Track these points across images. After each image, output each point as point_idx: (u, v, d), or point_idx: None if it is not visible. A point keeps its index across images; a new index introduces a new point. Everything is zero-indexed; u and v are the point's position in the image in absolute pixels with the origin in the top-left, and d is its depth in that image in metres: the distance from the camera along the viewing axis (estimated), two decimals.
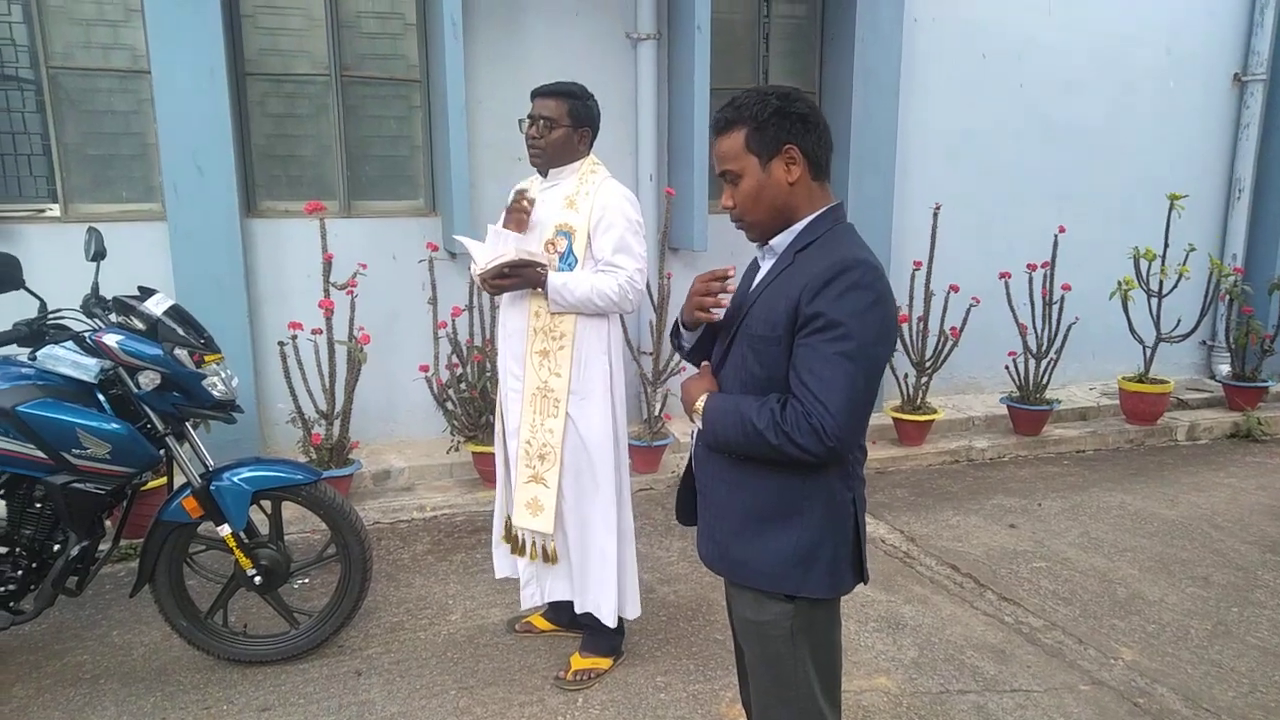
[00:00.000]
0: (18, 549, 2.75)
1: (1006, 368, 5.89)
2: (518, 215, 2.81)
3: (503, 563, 3.22)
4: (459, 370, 4.71)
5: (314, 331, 4.34)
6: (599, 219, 2.78)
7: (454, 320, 4.64)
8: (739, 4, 5.80)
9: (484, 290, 2.94)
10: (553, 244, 2.83)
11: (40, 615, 2.84)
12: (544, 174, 2.94)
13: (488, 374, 4.68)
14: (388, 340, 4.93)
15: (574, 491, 2.92)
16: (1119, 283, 5.93)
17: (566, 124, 2.83)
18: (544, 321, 2.85)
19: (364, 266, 4.47)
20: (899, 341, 5.59)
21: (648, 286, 4.99)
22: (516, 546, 3.03)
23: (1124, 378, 6.29)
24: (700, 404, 1.81)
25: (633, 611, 3.07)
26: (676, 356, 5.03)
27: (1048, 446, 5.87)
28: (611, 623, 2.98)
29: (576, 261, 2.81)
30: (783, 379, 1.70)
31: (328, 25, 4.95)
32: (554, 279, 2.76)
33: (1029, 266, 5.78)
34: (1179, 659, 3.23)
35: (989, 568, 4.01)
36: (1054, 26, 6.35)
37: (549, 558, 2.96)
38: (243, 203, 4.78)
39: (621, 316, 3.01)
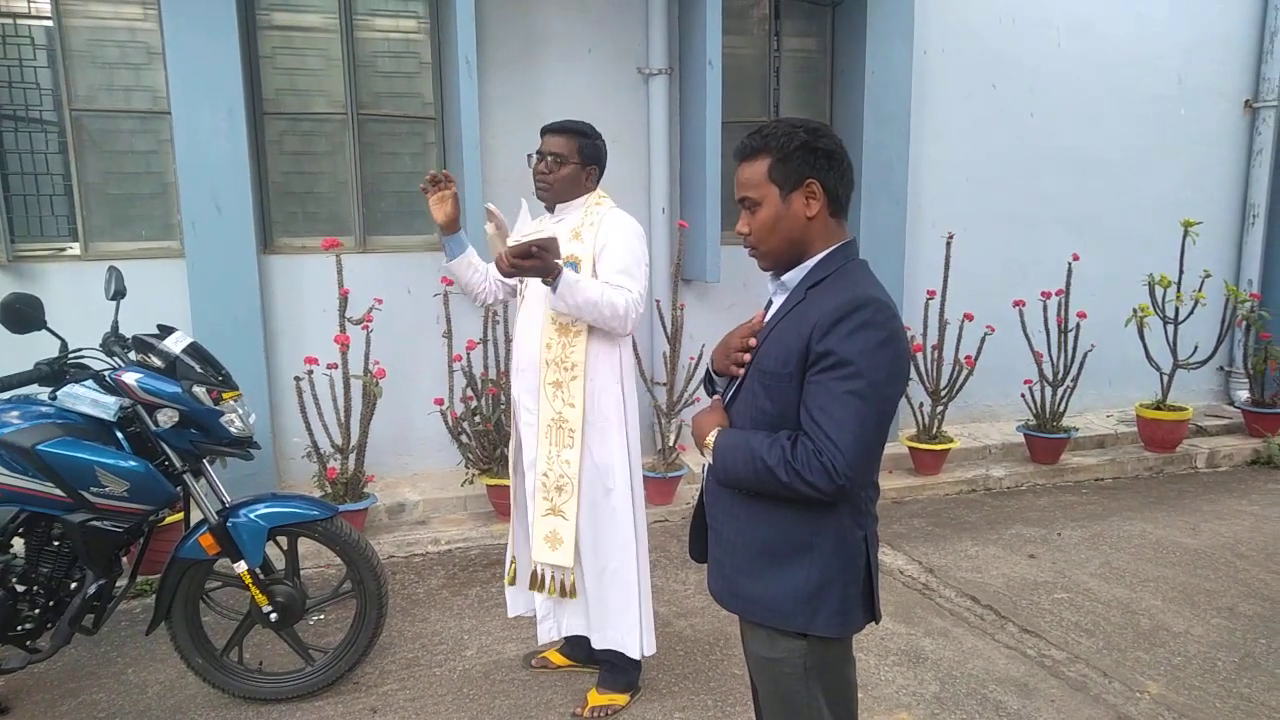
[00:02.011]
0: (35, 587, 2.75)
1: (1023, 396, 5.86)
2: (495, 220, 2.78)
3: (516, 600, 3.21)
4: (473, 403, 4.72)
5: (329, 366, 4.37)
6: (603, 246, 2.79)
7: (469, 354, 4.66)
8: (749, 38, 5.87)
9: (500, 270, 2.69)
10: None
11: (56, 653, 2.84)
12: (550, 209, 2.97)
13: (502, 406, 4.69)
14: (402, 374, 4.95)
15: (591, 523, 2.90)
16: (1135, 310, 5.91)
17: (575, 161, 2.86)
18: (555, 353, 2.86)
19: (379, 301, 4.51)
20: (914, 370, 5.57)
21: (661, 317, 5.06)
22: (535, 582, 3.01)
23: (1142, 405, 6.24)
24: (711, 439, 1.81)
25: (649, 648, 3.03)
26: (690, 387, 5.03)
27: (1066, 475, 5.81)
28: (636, 654, 2.95)
29: None
30: (794, 415, 1.70)
31: (345, 65, 5.04)
32: (569, 273, 2.67)
33: (1043, 294, 5.76)
34: (1206, 692, 3.17)
35: (1009, 599, 3.96)
36: (1064, 56, 6.39)
37: (567, 592, 2.94)
38: (260, 240, 4.84)
39: (635, 345, 3.00)
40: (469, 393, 4.72)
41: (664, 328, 5.07)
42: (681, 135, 5.57)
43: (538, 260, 2.55)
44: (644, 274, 2.82)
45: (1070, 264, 5.80)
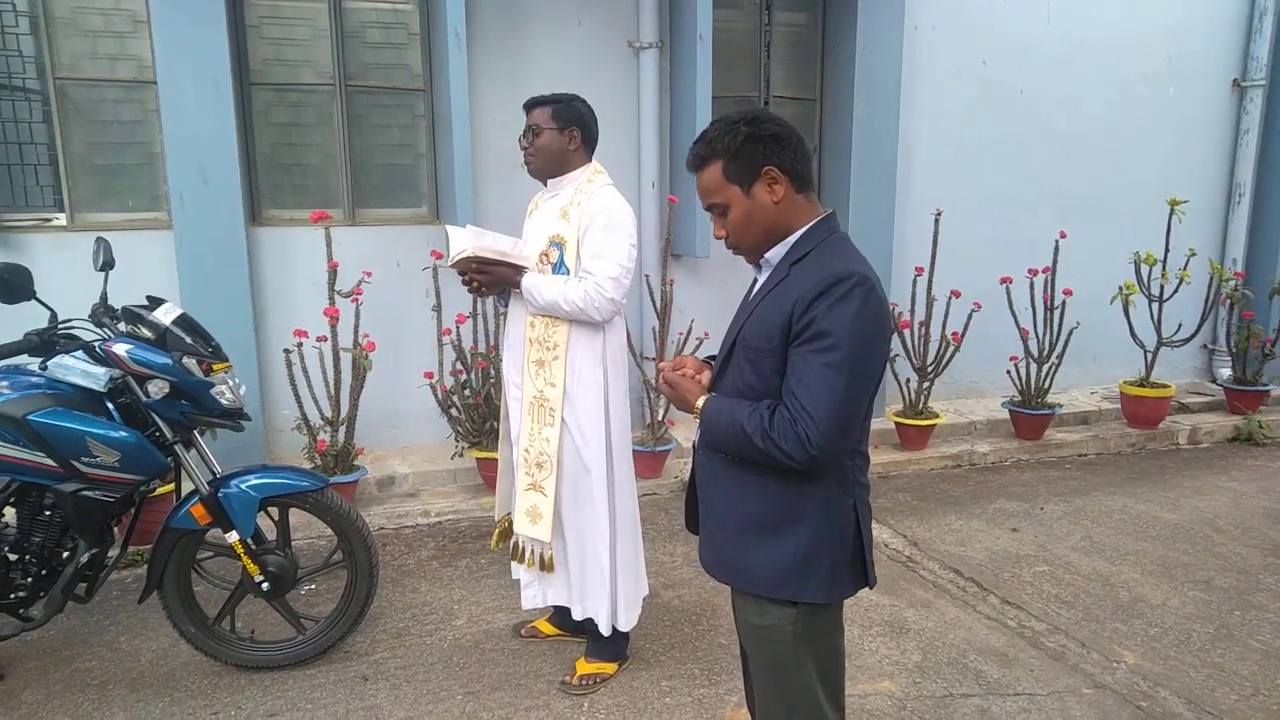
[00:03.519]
0: (28, 556, 2.77)
1: (1008, 372, 5.91)
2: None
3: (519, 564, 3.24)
4: (463, 377, 4.74)
5: (319, 339, 4.37)
6: (586, 227, 2.80)
7: (458, 327, 4.67)
8: (740, 13, 5.84)
9: (467, 290, 2.97)
10: (546, 255, 2.87)
11: (49, 622, 2.86)
12: (544, 184, 2.98)
13: (491, 380, 4.71)
14: (392, 347, 4.95)
15: (571, 500, 2.95)
16: (1120, 287, 5.96)
17: (552, 127, 2.86)
18: (538, 332, 2.88)
19: (369, 274, 4.50)
20: (901, 346, 5.61)
21: (650, 293, 5.07)
22: (516, 553, 3.05)
23: (1125, 382, 6.31)
24: (700, 404, 1.84)
25: (626, 622, 3.05)
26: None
27: (1049, 450, 5.88)
28: (606, 631, 3.00)
29: (569, 272, 2.83)
30: (778, 390, 1.73)
31: (332, 35, 4.99)
32: (527, 280, 2.82)
33: (1030, 272, 5.80)
34: (1181, 662, 3.25)
35: (992, 572, 4.03)
36: (1054, 34, 6.38)
37: (545, 566, 2.99)
38: (248, 212, 4.81)
39: (627, 326, 3.03)
40: (458, 366, 4.73)
41: (653, 303, 5.08)
42: (672, 110, 5.56)
43: (489, 275, 2.80)
44: (625, 255, 2.80)
45: (1057, 241, 5.83)
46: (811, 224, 1.79)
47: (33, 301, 2.71)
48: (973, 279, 5.73)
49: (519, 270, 2.84)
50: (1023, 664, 3.23)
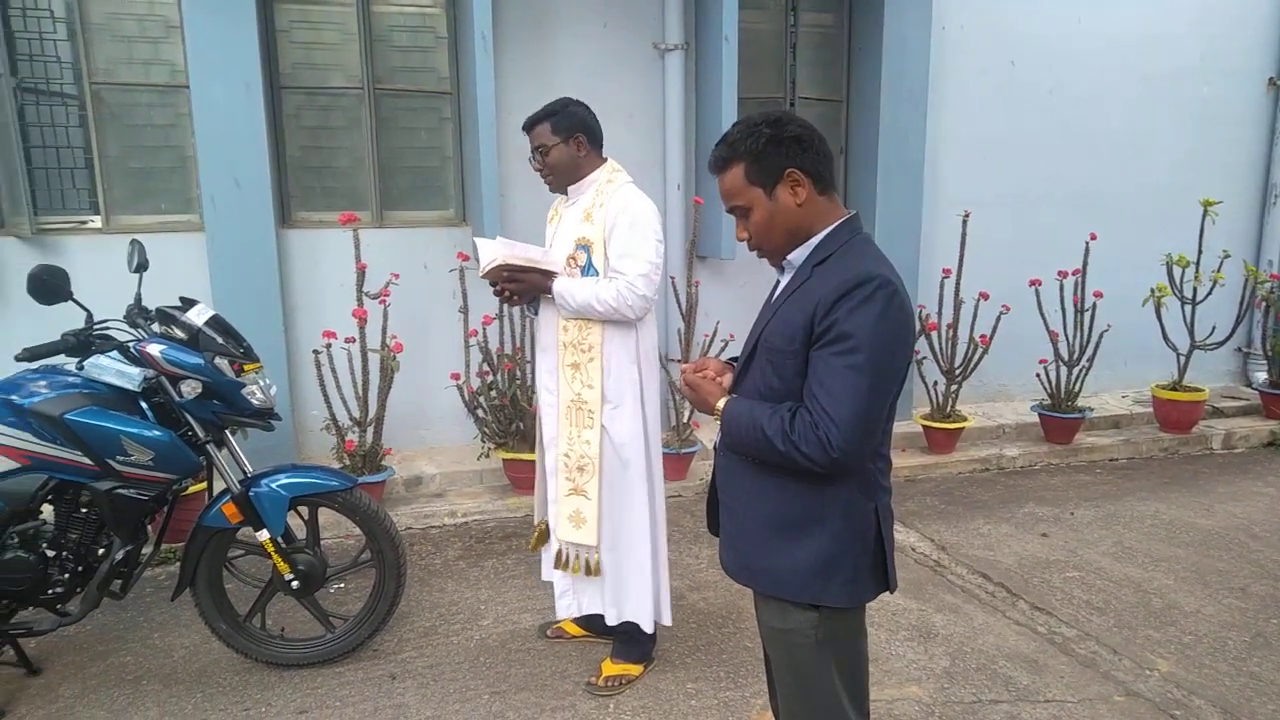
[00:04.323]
0: (65, 553, 2.82)
1: (1037, 375, 5.85)
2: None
3: (550, 565, 3.24)
4: (489, 378, 4.76)
5: (347, 340, 4.41)
6: (611, 227, 2.80)
7: (485, 328, 4.69)
8: (766, 14, 5.83)
9: (499, 300, 3.01)
10: (573, 258, 2.87)
11: (85, 617, 2.91)
12: (565, 194, 2.99)
13: (518, 382, 4.73)
14: (419, 348, 4.99)
15: (610, 502, 2.94)
16: (1152, 289, 5.88)
17: (555, 140, 2.87)
18: (572, 335, 2.89)
19: (396, 276, 4.53)
20: (929, 349, 5.57)
21: (676, 294, 5.07)
22: (560, 560, 3.05)
23: (1158, 385, 6.22)
24: (721, 405, 1.84)
25: (665, 619, 3.09)
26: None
27: (1080, 455, 5.82)
28: (650, 628, 3.00)
29: (597, 273, 2.84)
30: (799, 392, 1.73)
31: (361, 39, 5.04)
32: (558, 284, 2.83)
33: (1060, 274, 5.73)
34: (1216, 671, 3.19)
35: (1021, 577, 3.99)
36: (1084, 33, 6.32)
37: (592, 571, 2.98)
38: (278, 214, 4.87)
39: (657, 325, 3.04)
40: (485, 367, 4.75)
41: (679, 305, 5.08)
42: (697, 111, 5.55)
43: (521, 283, 2.84)
44: (652, 251, 2.80)
45: (1087, 243, 5.77)
46: (834, 226, 1.78)
47: (69, 302, 2.76)
48: (1001, 280, 5.69)
49: (549, 276, 2.85)
50: (1053, 670, 3.19)
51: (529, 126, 2.91)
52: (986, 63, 6.15)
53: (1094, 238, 5.80)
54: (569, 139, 2.86)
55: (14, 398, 2.68)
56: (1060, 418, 5.84)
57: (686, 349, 5.07)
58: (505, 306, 4.76)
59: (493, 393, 4.76)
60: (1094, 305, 5.76)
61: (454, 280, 4.81)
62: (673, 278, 5.15)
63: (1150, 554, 4.23)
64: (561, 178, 2.92)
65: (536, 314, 3.06)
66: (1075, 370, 5.84)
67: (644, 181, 3.08)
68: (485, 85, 4.78)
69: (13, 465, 2.69)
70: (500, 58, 5.03)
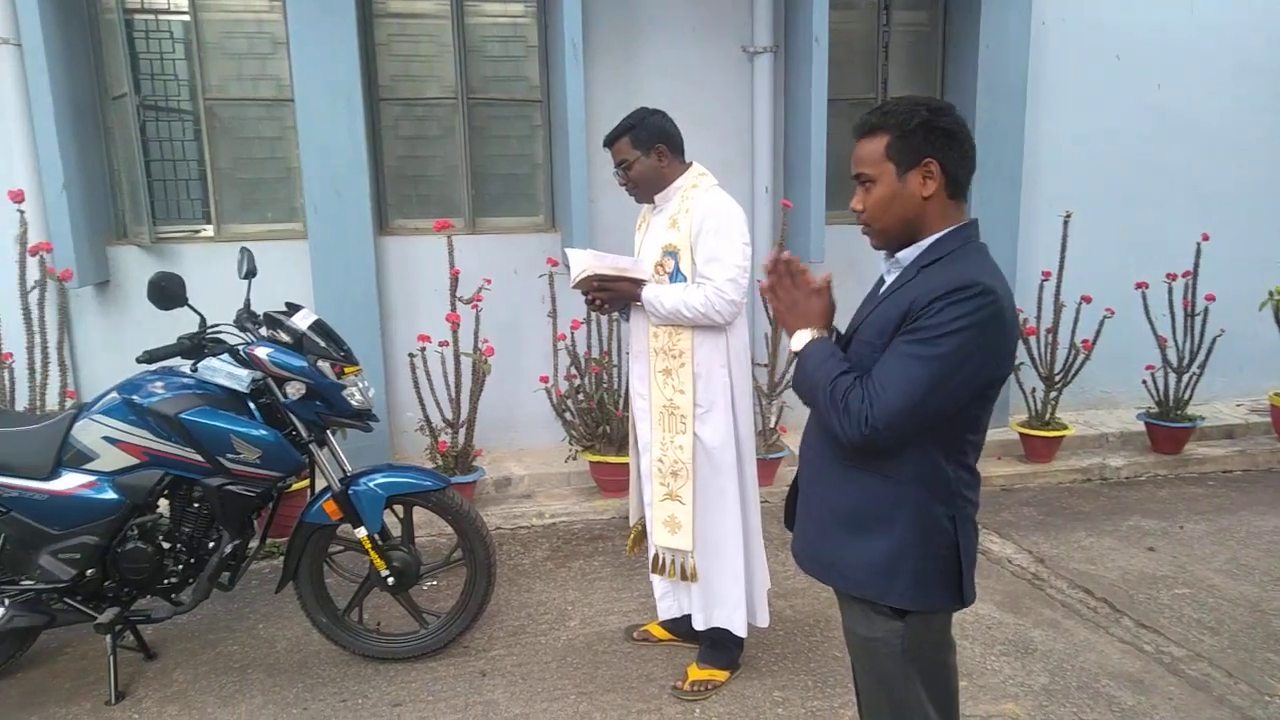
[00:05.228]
0: (178, 545, 2.98)
1: (1144, 382, 5.59)
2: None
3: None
4: (577, 381, 4.82)
5: (441, 344, 4.53)
6: (697, 233, 2.81)
7: (573, 333, 4.75)
8: (858, 14, 5.74)
9: (590, 309, 3.06)
10: (661, 265, 2.90)
11: (196, 607, 3.06)
12: (653, 203, 3.02)
13: (605, 385, 4.77)
14: (509, 352, 5.09)
15: (702, 507, 2.95)
16: (1270, 293, 5.55)
17: (636, 154, 2.89)
18: (662, 341, 2.91)
19: (488, 281, 4.63)
20: (1027, 354, 5.39)
21: (763, 300, 5.03)
22: (657, 565, 3.07)
23: (1276, 393, 5.87)
24: (806, 339, 1.82)
25: (763, 619, 3.09)
26: (793, 368, 4.98)
27: (1190, 466, 5.53)
28: (742, 633, 3.00)
29: (685, 279, 2.85)
30: None
31: (455, 50, 5.17)
32: (647, 291, 2.86)
33: (1169, 276, 5.47)
34: None
35: (1125, 592, 3.82)
36: (1196, 24, 6.02)
37: (689, 576, 2.98)
38: (376, 222, 5.04)
39: (747, 329, 3.04)
40: (573, 371, 4.81)
41: (765, 309, 5.04)
42: (786, 114, 5.51)
43: (610, 292, 2.90)
44: (739, 255, 2.80)
45: (1199, 244, 5.49)
46: (950, 230, 1.74)
47: (185, 307, 2.91)
48: (1104, 283, 5.46)
49: (638, 283, 2.89)
50: (1160, 691, 3.04)
51: (609, 142, 2.95)
52: (1089, 57, 5.92)
53: (1206, 238, 5.52)
54: (650, 150, 2.89)
55: (135, 398, 2.84)
56: (1169, 427, 5.57)
57: (774, 353, 5.03)
58: (595, 313, 4.83)
59: (580, 396, 4.82)
60: (1206, 309, 5.48)
61: (543, 285, 4.89)
62: (760, 282, 5.10)
63: (1269, 572, 4.00)
64: (646, 189, 2.95)
65: (628, 320, 3.09)
66: (1185, 377, 5.57)
67: (732, 185, 3.08)
68: (575, 92, 4.85)
69: (133, 461, 2.86)
70: (590, 65, 5.09)
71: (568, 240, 5.11)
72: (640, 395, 3.03)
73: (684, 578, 3.00)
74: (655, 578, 3.12)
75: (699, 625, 3.04)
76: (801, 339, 1.83)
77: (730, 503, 2.93)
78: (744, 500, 2.97)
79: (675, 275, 2.86)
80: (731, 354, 2.92)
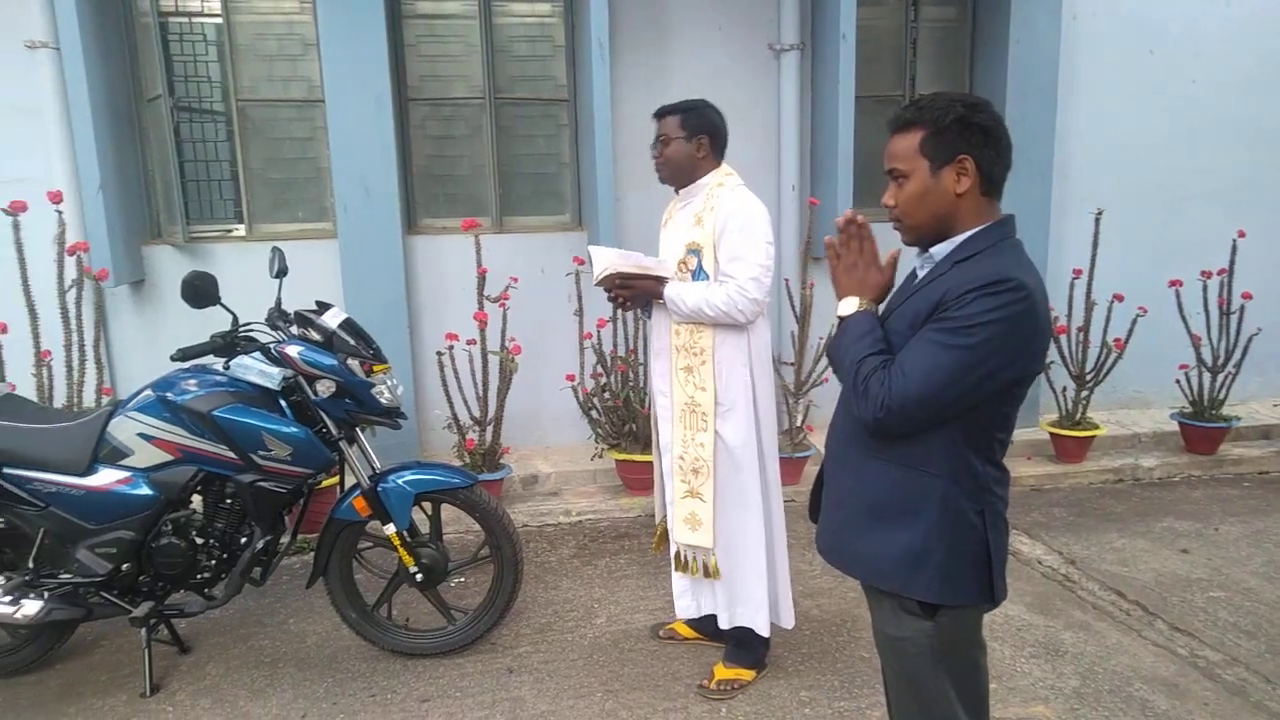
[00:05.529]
0: (211, 540, 3.02)
1: (1178, 382, 5.51)
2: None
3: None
4: (603, 380, 4.83)
5: (469, 342, 4.56)
6: (721, 231, 2.81)
7: (599, 331, 4.76)
8: (885, 10, 5.70)
9: (614, 306, 3.08)
10: (684, 263, 2.90)
11: (229, 601, 3.11)
12: (677, 192, 3.02)
13: (630, 384, 4.78)
14: (536, 350, 5.11)
15: (723, 505, 2.94)
16: None
17: (680, 135, 2.89)
18: (684, 339, 2.91)
19: (515, 280, 4.66)
20: (1058, 353, 5.32)
21: (790, 297, 5.02)
22: (679, 563, 3.07)
23: None
24: (855, 305, 1.82)
25: (788, 620, 3.08)
26: (819, 367, 4.97)
27: (1225, 466, 5.44)
28: (765, 632, 2.99)
29: (708, 277, 2.85)
30: None
31: (483, 50, 5.20)
32: (669, 289, 2.87)
33: (1203, 274, 5.38)
34: None
35: (1158, 595, 3.76)
36: (1230, 17, 5.91)
37: (711, 573, 2.98)
38: (404, 221, 5.09)
39: (770, 328, 3.03)
40: (599, 369, 4.82)
41: (792, 307, 5.03)
42: (813, 111, 5.49)
43: (632, 289, 2.91)
44: (763, 254, 2.80)
45: (1235, 241, 5.39)
46: (985, 226, 1.73)
47: (218, 306, 2.95)
48: (1137, 281, 5.39)
49: (661, 281, 2.89)
50: (1195, 696, 3.00)
51: (660, 114, 2.96)
52: (1122, 51, 5.83)
53: (1242, 235, 5.42)
54: (693, 137, 2.90)
55: (168, 395, 2.89)
56: (1203, 427, 5.48)
57: (801, 352, 5.01)
58: (618, 310, 4.84)
59: (606, 394, 4.83)
60: (1241, 307, 5.38)
61: (570, 284, 4.90)
62: (786, 280, 5.09)
63: None
64: (674, 172, 2.95)
65: (650, 318, 3.09)
66: (1220, 376, 5.47)
67: (758, 183, 3.07)
68: (602, 92, 4.86)
69: (167, 458, 2.90)
70: (616, 64, 5.09)
71: (594, 239, 5.12)
72: (662, 393, 3.02)
73: (706, 574, 3.00)
74: (676, 576, 3.11)
75: (724, 624, 3.04)
76: (849, 305, 1.83)
77: (752, 501, 2.93)
78: (766, 500, 2.97)
79: (698, 273, 2.86)
80: (753, 352, 2.91)
